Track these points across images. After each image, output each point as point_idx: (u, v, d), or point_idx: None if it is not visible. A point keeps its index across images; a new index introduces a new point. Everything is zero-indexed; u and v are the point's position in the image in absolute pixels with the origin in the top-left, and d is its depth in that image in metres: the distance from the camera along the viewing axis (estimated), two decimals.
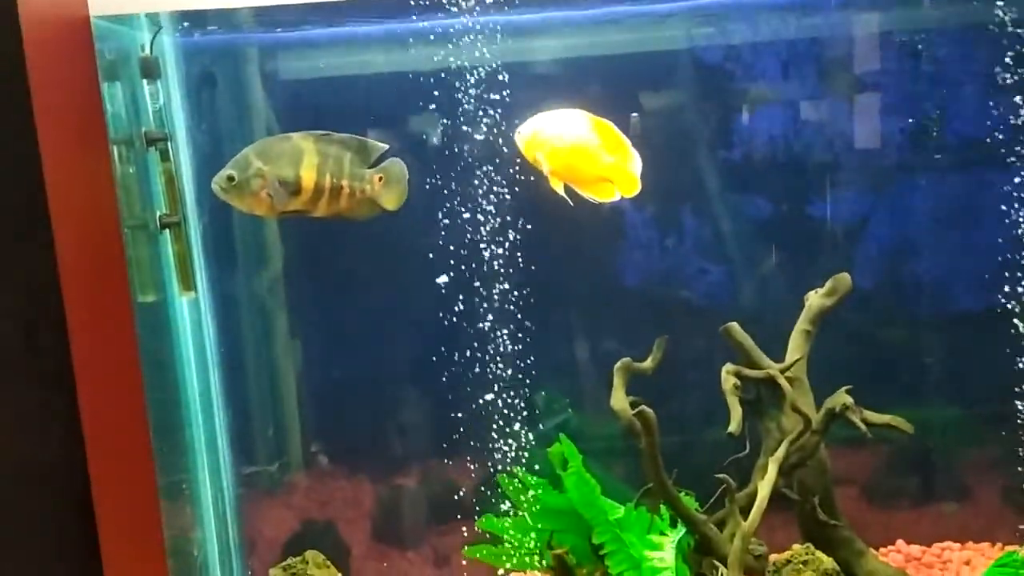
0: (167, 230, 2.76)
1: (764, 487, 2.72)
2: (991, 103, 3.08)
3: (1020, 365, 3.17)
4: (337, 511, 3.39)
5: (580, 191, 2.62)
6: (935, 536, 3.35)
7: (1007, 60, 3.06)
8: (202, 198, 3.04)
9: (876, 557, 2.86)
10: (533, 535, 3.10)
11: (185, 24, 2.96)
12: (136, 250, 2.66)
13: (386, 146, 2.63)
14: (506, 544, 3.16)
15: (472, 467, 3.22)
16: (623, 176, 2.61)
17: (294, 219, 2.70)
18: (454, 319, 3.12)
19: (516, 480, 3.12)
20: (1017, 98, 3.07)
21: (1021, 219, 3.14)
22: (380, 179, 2.62)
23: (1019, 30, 3.03)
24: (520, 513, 3.15)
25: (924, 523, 3.38)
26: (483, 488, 3.23)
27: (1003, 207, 3.14)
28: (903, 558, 3.24)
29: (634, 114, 3.22)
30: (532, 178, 2.74)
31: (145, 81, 2.71)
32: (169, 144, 2.73)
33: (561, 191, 2.61)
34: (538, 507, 3.06)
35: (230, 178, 2.46)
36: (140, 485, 2.26)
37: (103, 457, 2.05)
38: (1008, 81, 3.07)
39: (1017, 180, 3.12)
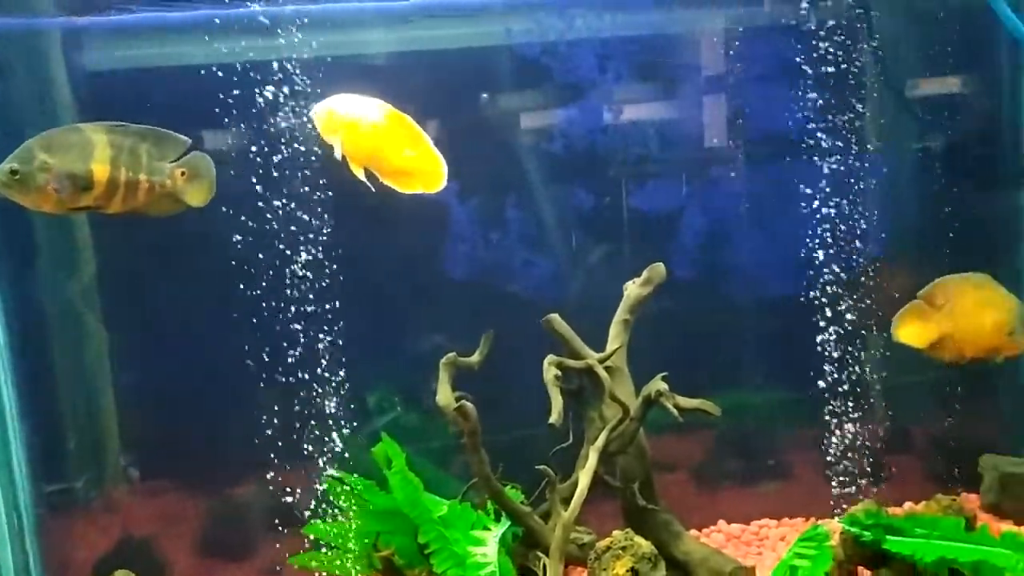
0: None
1: (584, 476, 2.75)
2: (795, 100, 3.24)
3: (829, 347, 3.35)
4: (154, 526, 3.21)
5: (382, 180, 2.56)
6: (755, 515, 3.49)
7: (808, 59, 3.22)
8: None
9: (693, 538, 2.94)
10: (362, 538, 3.03)
11: None
12: None
13: (188, 140, 2.50)
14: (334, 549, 3.08)
15: (300, 472, 3.11)
16: (424, 171, 2.57)
17: (100, 217, 2.54)
18: (275, 321, 3.01)
19: (343, 482, 3.05)
20: (817, 94, 3.24)
21: (827, 208, 3.32)
22: (183, 174, 2.49)
23: (820, 31, 3.20)
24: (349, 516, 3.08)
25: (745, 503, 3.52)
26: (312, 493, 3.13)
27: (810, 197, 3.30)
28: (724, 537, 3.36)
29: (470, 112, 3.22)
30: (356, 175, 2.66)
31: None
32: None
33: (361, 176, 2.55)
34: (365, 509, 3.00)
35: (12, 172, 2.27)
36: None
37: None
38: (810, 79, 3.24)
39: (823, 171, 3.29)
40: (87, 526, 3.14)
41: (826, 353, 3.35)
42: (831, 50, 3.22)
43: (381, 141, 2.53)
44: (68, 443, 3.08)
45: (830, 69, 3.22)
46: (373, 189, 2.56)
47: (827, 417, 3.39)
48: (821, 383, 3.37)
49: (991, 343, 3.02)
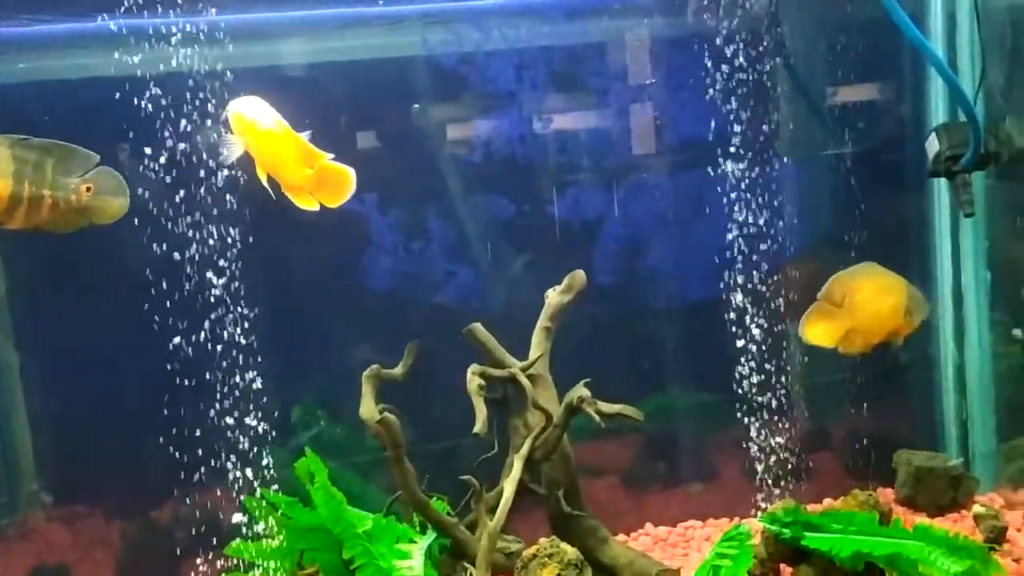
0: None
1: (509, 485, 2.75)
2: (711, 108, 3.31)
3: (747, 350, 3.42)
4: (72, 552, 3.11)
5: (285, 191, 2.54)
6: (681, 517, 3.54)
7: (723, 68, 3.29)
8: None
9: (620, 543, 2.96)
10: (287, 556, 2.98)
11: None
12: None
13: (97, 156, 2.44)
14: (257, 569, 3.02)
15: (222, 492, 3.04)
16: (323, 188, 2.55)
17: (6, 233, 2.45)
18: (193, 338, 2.94)
19: (264, 500, 3.00)
20: (732, 102, 3.32)
21: (744, 214, 3.39)
22: (88, 189, 2.42)
23: (734, 41, 3.27)
24: (272, 534, 3.02)
25: (672, 505, 3.56)
26: (235, 513, 3.06)
27: (726, 203, 3.38)
28: (651, 540, 3.40)
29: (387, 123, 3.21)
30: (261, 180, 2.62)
31: None
32: None
33: (265, 182, 2.52)
34: (288, 526, 2.95)
35: None
36: None
37: None
38: (726, 87, 3.31)
39: (739, 178, 3.37)
40: (2, 552, 3.02)
41: (745, 355, 3.42)
42: (745, 59, 3.30)
43: (280, 154, 2.50)
44: None
45: (744, 78, 3.30)
46: (274, 197, 2.52)
47: (748, 418, 3.47)
48: (741, 384, 3.44)
49: (892, 326, 3.17)
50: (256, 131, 2.48)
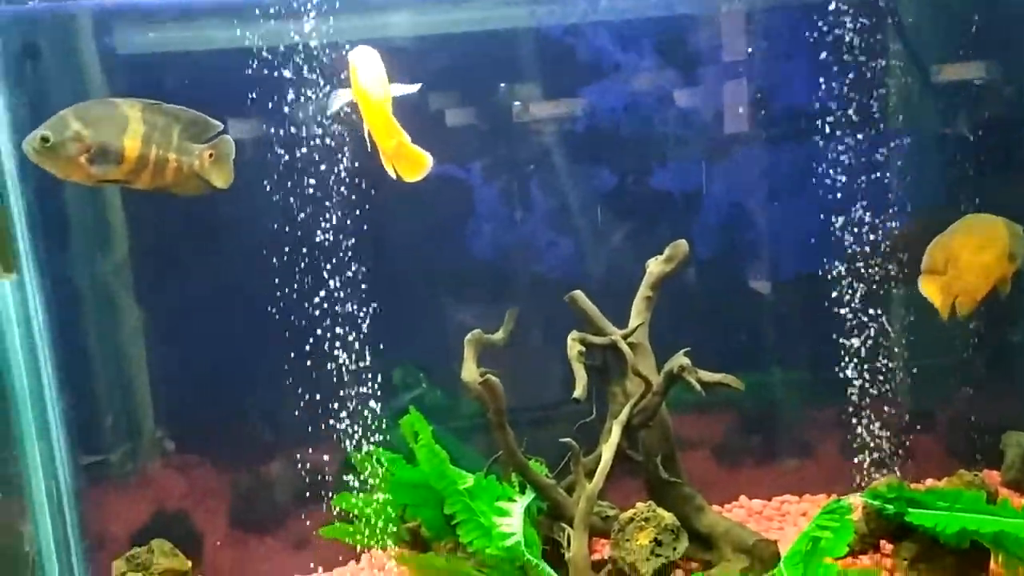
0: None
1: (608, 450, 2.79)
2: (818, 79, 3.25)
3: (851, 327, 3.37)
4: (187, 500, 3.29)
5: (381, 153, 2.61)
6: (776, 491, 3.52)
7: (832, 38, 3.23)
8: (25, 173, 2.88)
9: (716, 512, 2.98)
10: (390, 511, 3.10)
11: None
12: None
13: (220, 124, 2.55)
14: (362, 521, 3.14)
15: (329, 446, 3.17)
16: (400, 163, 2.60)
17: (136, 196, 2.60)
18: (305, 298, 3.07)
19: (371, 456, 3.11)
20: (842, 74, 3.25)
21: (851, 188, 3.33)
22: (210, 155, 2.54)
23: (844, 10, 3.20)
24: (376, 489, 3.14)
25: (767, 480, 3.55)
26: (341, 467, 3.19)
27: (833, 176, 3.32)
28: (745, 513, 3.40)
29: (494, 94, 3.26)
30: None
31: None
32: None
33: (366, 136, 2.60)
34: (392, 482, 3.06)
35: (44, 139, 2.32)
36: None
37: None
38: (831, 58, 3.25)
39: (847, 151, 3.31)
40: (123, 498, 3.22)
41: (847, 332, 3.37)
42: (855, 29, 3.23)
43: (370, 117, 2.56)
44: (104, 417, 3.16)
45: (854, 48, 3.23)
46: (369, 150, 2.60)
47: (850, 395, 3.42)
48: (841, 362, 3.39)
49: (997, 276, 3.03)
50: (358, 87, 2.54)
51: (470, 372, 2.93)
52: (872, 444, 3.42)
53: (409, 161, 2.62)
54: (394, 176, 2.62)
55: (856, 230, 3.33)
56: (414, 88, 2.61)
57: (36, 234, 2.97)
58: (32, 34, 2.97)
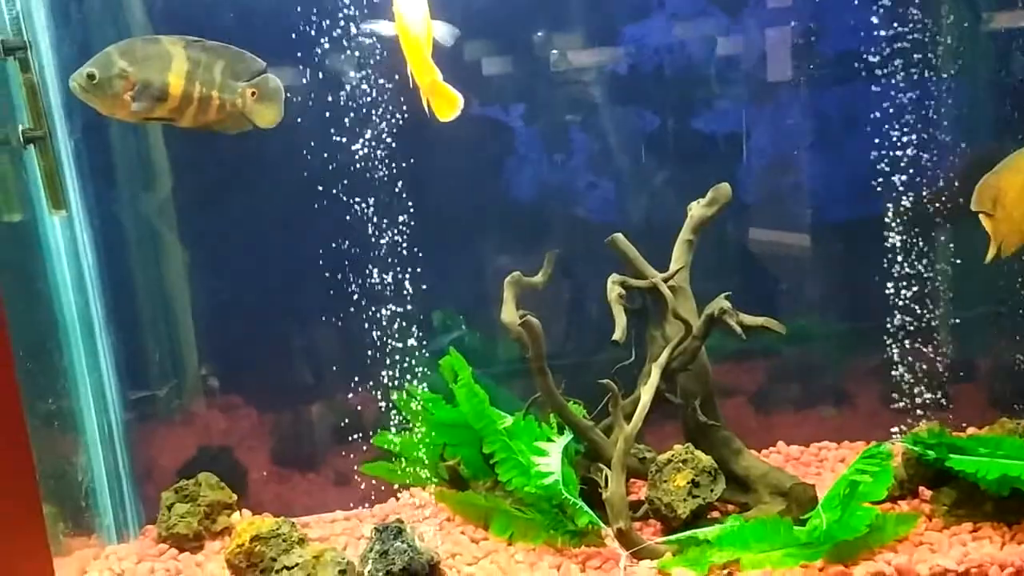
0: (32, 145, 2.64)
1: (647, 391, 2.80)
2: (868, 20, 3.16)
3: (893, 275, 3.32)
4: (231, 436, 3.36)
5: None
6: (815, 438, 3.51)
7: None
8: (73, 112, 2.91)
9: (753, 455, 2.98)
10: (429, 449, 3.15)
11: None
12: None
13: (263, 63, 2.55)
14: (402, 459, 3.20)
15: (370, 386, 3.22)
16: (435, 100, 2.62)
17: (179, 133, 2.62)
18: (347, 238, 3.09)
19: (410, 396, 3.16)
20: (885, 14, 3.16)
21: (897, 133, 3.26)
22: (253, 94, 2.54)
23: None
24: (416, 429, 3.19)
25: (804, 427, 3.54)
26: (381, 407, 3.24)
27: (879, 121, 3.25)
28: (783, 458, 3.39)
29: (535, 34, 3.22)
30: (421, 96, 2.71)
31: None
32: (30, 54, 2.59)
33: (409, 72, 2.61)
34: (431, 421, 3.10)
35: (90, 76, 2.35)
36: (4, 410, 2.18)
37: None
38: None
39: (893, 94, 3.23)
40: (169, 433, 3.30)
41: (889, 280, 3.33)
42: None
43: (409, 53, 2.57)
44: (151, 354, 3.23)
45: None
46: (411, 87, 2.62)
47: (888, 344, 3.38)
48: (883, 310, 3.35)
49: None
50: (400, 20, 2.55)
51: (509, 313, 2.94)
52: (913, 392, 3.40)
53: (443, 100, 2.63)
54: (430, 114, 2.63)
55: (901, 176, 3.27)
56: (454, 32, 2.60)
57: (83, 172, 3.01)
58: None
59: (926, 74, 3.22)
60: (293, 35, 2.97)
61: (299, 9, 2.94)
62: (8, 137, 2.58)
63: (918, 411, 3.39)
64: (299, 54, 3.01)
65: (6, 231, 2.58)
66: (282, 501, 3.31)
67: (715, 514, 2.89)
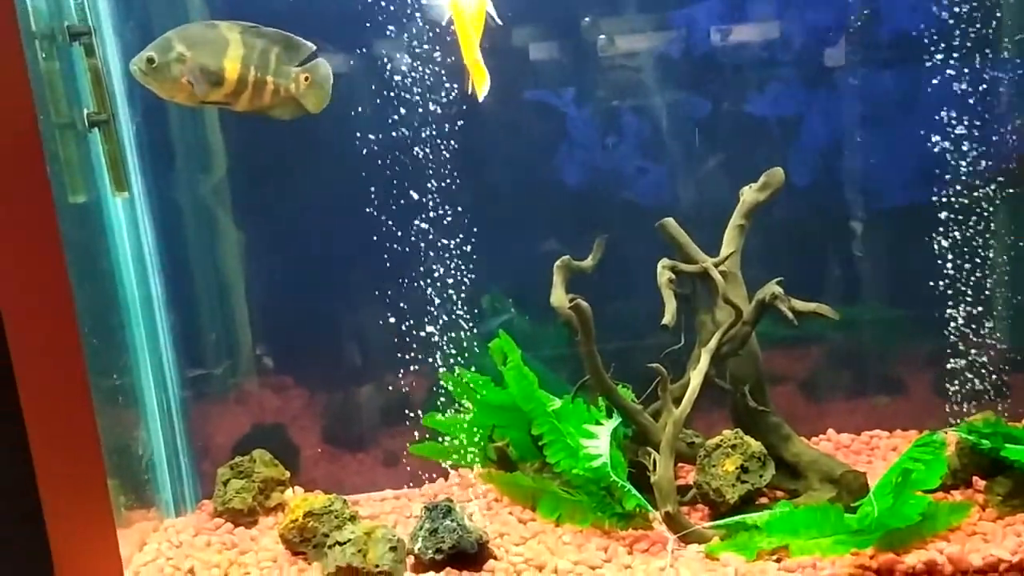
0: (96, 128, 2.71)
1: (696, 376, 2.80)
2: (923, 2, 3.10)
3: (950, 262, 3.27)
4: (285, 414, 3.43)
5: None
6: (866, 427, 3.48)
7: None
8: (134, 96, 2.98)
9: (803, 442, 2.97)
10: (476, 430, 3.18)
11: None
12: (64, 149, 2.61)
13: (314, 47, 2.59)
14: (451, 440, 3.24)
15: (420, 367, 3.26)
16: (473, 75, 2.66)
17: (237, 118, 2.67)
18: (400, 222, 3.13)
19: (460, 378, 3.19)
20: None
21: (954, 118, 3.19)
22: (306, 79, 2.58)
23: None
24: (465, 410, 3.22)
25: (856, 415, 3.50)
26: (431, 388, 3.28)
27: (936, 105, 3.19)
28: (833, 446, 3.37)
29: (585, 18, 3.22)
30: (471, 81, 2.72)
31: None
32: (94, 39, 2.66)
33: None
34: (480, 403, 3.14)
35: (150, 60, 2.41)
36: (71, 386, 2.25)
37: (28, 358, 2.06)
38: None
39: (952, 79, 3.17)
40: (225, 411, 3.38)
41: (944, 267, 3.27)
42: None
43: (459, 30, 2.61)
44: (208, 333, 3.30)
45: None
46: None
47: (943, 333, 3.33)
48: (937, 298, 3.29)
49: None
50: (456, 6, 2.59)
51: (558, 297, 2.96)
52: (968, 381, 3.34)
53: (477, 77, 2.67)
54: (471, 92, 2.66)
55: (956, 160, 3.21)
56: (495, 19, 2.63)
57: (143, 155, 3.08)
58: None
59: (983, 58, 3.16)
60: (347, 19, 3.01)
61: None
62: (74, 121, 2.65)
63: (973, 400, 3.34)
64: (352, 40, 3.05)
65: (72, 212, 2.64)
66: (333, 479, 3.36)
67: (764, 500, 2.88)
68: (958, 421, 3.21)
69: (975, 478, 2.89)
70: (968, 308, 3.30)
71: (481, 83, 2.66)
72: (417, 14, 2.96)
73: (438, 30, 2.94)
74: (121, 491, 2.85)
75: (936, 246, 3.26)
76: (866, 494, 2.68)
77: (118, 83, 2.92)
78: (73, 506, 2.23)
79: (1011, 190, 3.23)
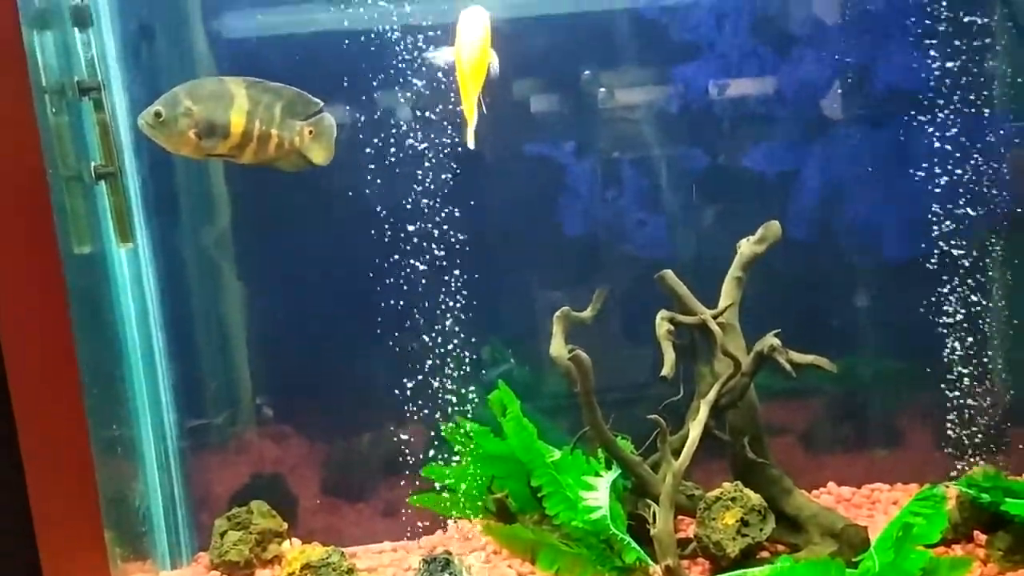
0: (103, 181, 2.75)
1: (695, 428, 2.80)
2: (915, 55, 3.17)
3: (948, 315, 3.29)
4: (284, 465, 3.42)
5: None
6: (867, 480, 3.46)
7: (934, 12, 3.15)
8: (141, 150, 3.03)
9: (804, 495, 2.95)
10: (476, 481, 3.17)
11: None
12: (71, 201, 2.65)
13: (321, 102, 2.64)
14: (450, 491, 3.23)
15: (419, 419, 3.26)
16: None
17: (240, 170, 2.72)
18: (400, 273, 3.16)
19: (459, 429, 3.19)
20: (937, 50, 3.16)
21: (949, 171, 3.24)
22: (310, 132, 2.63)
23: None
24: (464, 461, 3.22)
25: (856, 468, 3.49)
26: (431, 439, 3.28)
27: (930, 159, 3.24)
28: (834, 499, 3.35)
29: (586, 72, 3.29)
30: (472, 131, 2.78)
31: (77, 29, 2.69)
32: (103, 94, 2.72)
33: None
34: (479, 454, 3.13)
35: (157, 114, 2.46)
36: (71, 437, 2.27)
37: (30, 407, 2.08)
38: (933, 33, 3.16)
39: (946, 132, 3.22)
40: (223, 461, 3.37)
41: (943, 320, 3.29)
42: (957, 6, 3.14)
43: (458, 76, 2.68)
44: (208, 383, 3.31)
45: (957, 22, 3.14)
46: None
47: (943, 386, 3.34)
48: (937, 351, 3.31)
49: None
50: (457, 44, 2.65)
51: (558, 348, 2.97)
52: (968, 435, 3.34)
53: (467, 123, 2.72)
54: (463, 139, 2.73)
55: (953, 216, 3.25)
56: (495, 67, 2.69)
57: (148, 207, 3.13)
58: (147, 17, 3.12)
59: (976, 111, 3.22)
60: (349, 74, 3.08)
61: (354, 48, 3.05)
62: (81, 173, 2.69)
63: (973, 454, 3.34)
64: (354, 95, 3.11)
65: (77, 262, 2.67)
66: (332, 530, 3.34)
67: (764, 554, 2.85)
68: (959, 473, 3.21)
69: (976, 532, 2.88)
70: (967, 361, 3.31)
71: (469, 127, 2.72)
72: (420, 65, 3.04)
73: (442, 85, 3.01)
74: (118, 543, 2.82)
75: (934, 299, 3.29)
76: (867, 548, 2.66)
77: (125, 136, 2.98)
78: (71, 560, 2.23)
79: (1007, 243, 3.27)
